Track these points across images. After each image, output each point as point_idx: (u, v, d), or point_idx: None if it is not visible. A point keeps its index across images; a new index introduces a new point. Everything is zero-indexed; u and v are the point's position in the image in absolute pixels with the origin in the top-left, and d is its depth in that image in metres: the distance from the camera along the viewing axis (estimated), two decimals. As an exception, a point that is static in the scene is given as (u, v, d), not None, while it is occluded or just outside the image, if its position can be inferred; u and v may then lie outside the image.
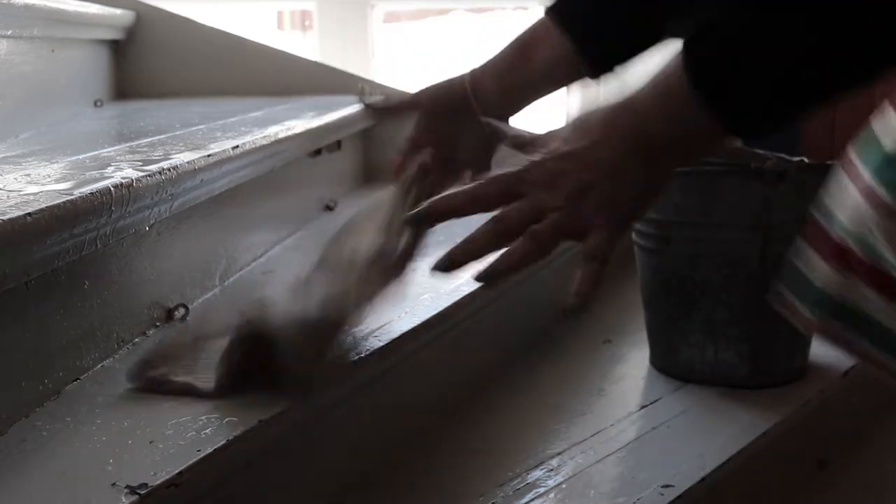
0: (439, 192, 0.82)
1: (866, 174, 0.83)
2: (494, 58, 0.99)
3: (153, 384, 0.91)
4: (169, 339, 1.00)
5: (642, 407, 1.28)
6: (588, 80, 0.96)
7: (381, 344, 1.04)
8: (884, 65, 0.71)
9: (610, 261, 0.77)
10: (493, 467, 1.12)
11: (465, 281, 1.25)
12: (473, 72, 1.00)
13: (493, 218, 0.78)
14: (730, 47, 0.72)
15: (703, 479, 1.08)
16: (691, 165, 0.82)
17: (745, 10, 0.71)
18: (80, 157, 1.10)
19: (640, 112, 0.75)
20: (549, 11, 0.96)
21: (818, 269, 0.83)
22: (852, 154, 0.84)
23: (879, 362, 0.83)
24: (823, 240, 0.84)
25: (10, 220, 0.76)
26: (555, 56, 0.96)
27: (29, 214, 0.78)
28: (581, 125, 0.78)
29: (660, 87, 0.75)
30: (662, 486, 1.05)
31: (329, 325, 0.92)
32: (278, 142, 1.34)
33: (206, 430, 0.83)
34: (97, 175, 0.94)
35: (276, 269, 1.32)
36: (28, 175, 0.97)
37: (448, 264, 0.79)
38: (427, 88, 1.02)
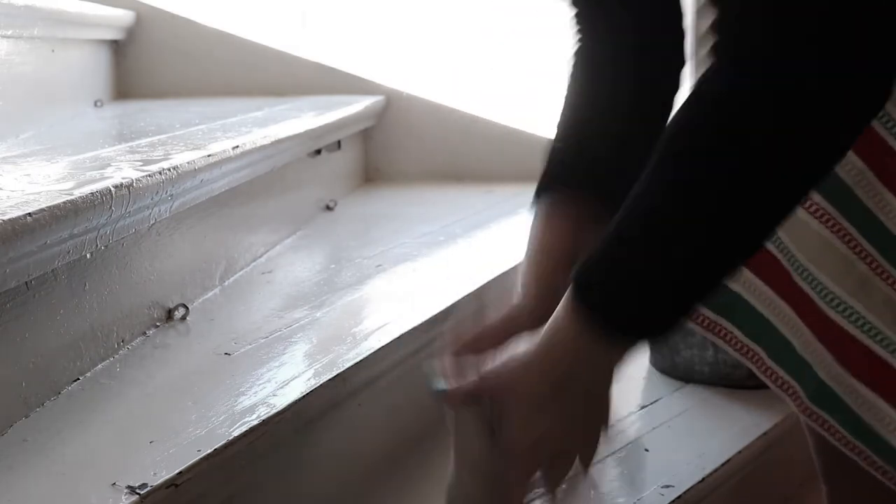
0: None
1: None
2: (528, 278, 0.88)
3: None
4: None
5: (642, 407, 1.28)
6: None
7: (380, 344, 1.04)
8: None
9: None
10: (493, 467, 1.11)
11: (463, 279, 1.25)
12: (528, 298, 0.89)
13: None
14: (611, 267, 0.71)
15: (703, 480, 1.08)
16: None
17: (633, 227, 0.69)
18: (81, 157, 1.10)
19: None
20: (554, 187, 0.86)
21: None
22: None
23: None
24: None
25: (10, 220, 0.76)
26: (574, 238, 0.87)
27: (29, 214, 0.78)
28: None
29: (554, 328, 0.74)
30: (662, 487, 1.05)
31: None
32: (278, 142, 1.34)
33: (206, 430, 0.83)
34: (97, 175, 0.94)
35: (276, 270, 1.32)
36: (28, 175, 0.97)
37: None
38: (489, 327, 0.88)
